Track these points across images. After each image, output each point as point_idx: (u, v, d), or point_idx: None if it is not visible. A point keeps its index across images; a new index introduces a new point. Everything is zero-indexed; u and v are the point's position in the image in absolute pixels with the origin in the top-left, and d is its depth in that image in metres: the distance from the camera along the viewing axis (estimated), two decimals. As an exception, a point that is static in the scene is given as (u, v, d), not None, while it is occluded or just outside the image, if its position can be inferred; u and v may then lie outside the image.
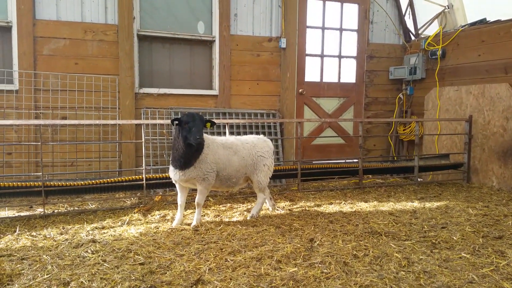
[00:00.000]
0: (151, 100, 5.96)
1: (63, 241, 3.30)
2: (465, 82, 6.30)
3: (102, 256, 2.90)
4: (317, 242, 3.27)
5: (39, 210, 4.32)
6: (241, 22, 6.34)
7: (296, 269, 2.75)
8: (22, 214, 4.21)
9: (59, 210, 4.38)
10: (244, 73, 6.41)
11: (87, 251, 2.99)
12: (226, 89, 6.27)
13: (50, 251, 3.07)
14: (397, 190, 5.60)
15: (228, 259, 2.90)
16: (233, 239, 3.32)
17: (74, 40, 5.56)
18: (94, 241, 3.26)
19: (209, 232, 3.56)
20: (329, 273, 2.67)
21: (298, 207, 4.57)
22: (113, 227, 3.79)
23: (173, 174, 3.81)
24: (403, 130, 7.20)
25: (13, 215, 4.16)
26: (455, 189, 5.73)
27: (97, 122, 5.08)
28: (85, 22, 5.59)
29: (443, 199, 5.03)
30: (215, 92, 6.27)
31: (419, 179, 6.42)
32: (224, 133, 6.13)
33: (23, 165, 5.33)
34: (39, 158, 5.42)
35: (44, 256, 2.91)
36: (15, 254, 2.98)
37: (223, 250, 3.06)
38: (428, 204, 4.73)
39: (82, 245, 3.15)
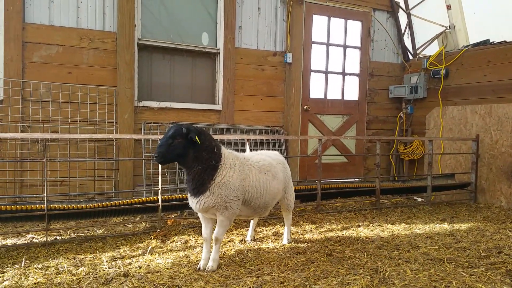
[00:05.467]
0: (151, 114, 5.50)
1: (84, 275, 2.77)
2: (469, 102, 6.28)
3: (147, 295, 2.42)
4: (386, 273, 2.93)
5: (33, 237, 3.72)
6: (246, 35, 6.06)
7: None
8: (18, 242, 3.59)
9: (63, 237, 3.79)
10: (248, 87, 6.09)
11: (124, 288, 2.49)
12: (229, 104, 5.92)
13: (74, 288, 2.54)
14: (412, 211, 5.39)
15: (300, 296, 2.50)
16: (287, 270, 2.92)
17: (68, 47, 5.05)
18: (125, 275, 2.75)
19: (254, 261, 3.13)
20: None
21: (327, 230, 4.23)
22: (134, 256, 3.28)
23: (190, 202, 3.08)
24: (404, 149, 7.08)
25: (9, 244, 3.55)
26: (465, 209, 5.59)
27: (94, 136, 4.55)
28: (80, 28, 5.11)
29: (465, 221, 4.85)
30: (218, 107, 5.89)
31: (419, 199, 6.28)
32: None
33: (7, 185, 4.68)
34: (24, 176, 4.83)
35: (71, 296, 2.39)
36: (32, 295, 2.43)
37: (285, 284, 2.66)
38: (456, 226, 4.53)
39: (111, 280, 2.64)
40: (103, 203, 3.74)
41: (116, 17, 5.22)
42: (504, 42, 5.93)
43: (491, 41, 6.20)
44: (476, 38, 6.51)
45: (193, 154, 2.92)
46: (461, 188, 6.11)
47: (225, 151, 3.15)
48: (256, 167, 3.30)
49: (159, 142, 2.90)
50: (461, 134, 6.31)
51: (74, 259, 3.15)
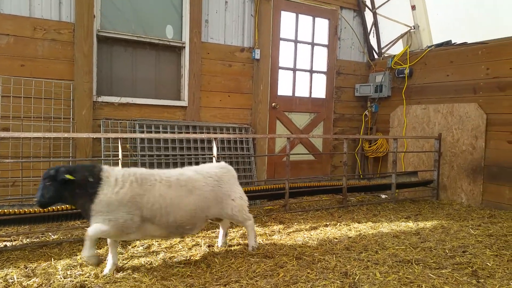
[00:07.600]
0: (111, 110, 5.22)
1: (36, 287, 2.52)
2: (432, 101, 6.41)
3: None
4: (356, 277, 2.87)
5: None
6: (213, 30, 5.88)
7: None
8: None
9: (14, 244, 3.48)
10: (215, 83, 5.92)
11: (80, 305, 2.28)
12: (196, 100, 5.73)
13: (22, 304, 2.31)
14: (377, 208, 5.43)
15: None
16: (255, 276, 2.80)
17: (20, 38, 4.69)
18: (82, 286, 2.52)
19: (221, 268, 2.99)
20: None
21: (295, 231, 4.15)
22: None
23: None
24: (369, 147, 7.16)
25: None
26: (428, 206, 5.70)
27: (48, 135, 4.22)
28: (34, 17, 4.75)
29: (429, 218, 4.92)
30: (184, 103, 5.68)
31: (384, 196, 6.37)
32: (195, 148, 5.57)
33: (-50, 187, 4.30)
34: (-30, 177, 4.44)
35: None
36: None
37: (255, 293, 2.54)
38: (421, 224, 4.58)
39: (66, 293, 2.43)
40: (59, 207, 3.47)
41: (73, 7, 4.90)
42: (465, 43, 6.08)
43: (453, 42, 6.34)
44: (440, 38, 6.64)
45: (69, 193, 2.86)
46: (424, 185, 6.24)
47: (109, 172, 2.92)
48: (165, 182, 3.06)
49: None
50: (424, 133, 6.43)
51: (26, 268, 2.88)
